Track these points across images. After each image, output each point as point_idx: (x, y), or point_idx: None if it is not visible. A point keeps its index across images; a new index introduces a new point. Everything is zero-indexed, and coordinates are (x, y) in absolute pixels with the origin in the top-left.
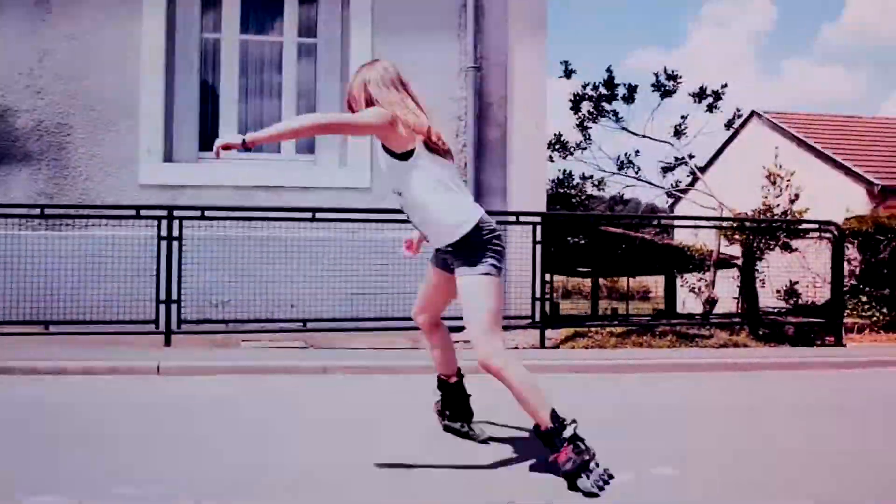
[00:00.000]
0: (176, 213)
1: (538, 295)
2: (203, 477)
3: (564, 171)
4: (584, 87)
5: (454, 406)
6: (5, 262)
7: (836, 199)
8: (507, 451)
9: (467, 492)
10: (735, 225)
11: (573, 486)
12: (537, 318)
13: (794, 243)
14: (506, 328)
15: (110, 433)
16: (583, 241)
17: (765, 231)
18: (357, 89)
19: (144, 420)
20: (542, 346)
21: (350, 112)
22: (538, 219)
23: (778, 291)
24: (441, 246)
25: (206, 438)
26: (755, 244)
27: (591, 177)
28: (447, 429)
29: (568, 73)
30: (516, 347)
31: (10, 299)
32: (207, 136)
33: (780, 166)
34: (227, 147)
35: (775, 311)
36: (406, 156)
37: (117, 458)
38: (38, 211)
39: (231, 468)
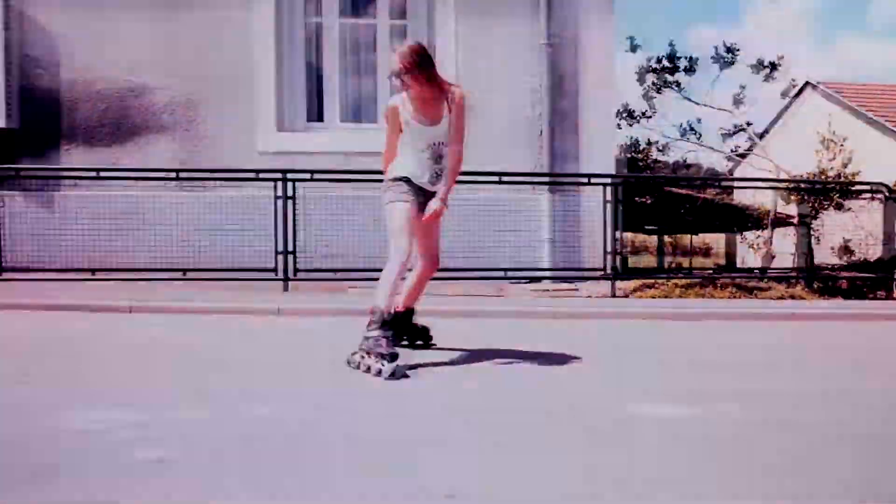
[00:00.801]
0: (290, 175)
1: (609, 250)
2: (322, 392)
3: (631, 137)
4: (649, 60)
5: (407, 331)
6: (148, 219)
7: (888, 163)
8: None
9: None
10: (791, 186)
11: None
12: (608, 270)
13: (847, 203)
14: (580, 279)
15: (243, 363)
16: (649, 202)
17: (819, 192)
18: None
19: (270, 352)
20: (613, 295)
21: (406, 81)
22: (608, 180)
23: (832, 248)
24: (436, 187)
25: (321, 365)
26: (810, 204)
27: (656, 142)
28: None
29: (633, 48)
30: (590, 297)
31: (153, 251)
32: (314, 110)
33: (834, 132)
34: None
35: (829, 266)
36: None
37: (252, 382)
38: (174, 175)
39: (339, 383)
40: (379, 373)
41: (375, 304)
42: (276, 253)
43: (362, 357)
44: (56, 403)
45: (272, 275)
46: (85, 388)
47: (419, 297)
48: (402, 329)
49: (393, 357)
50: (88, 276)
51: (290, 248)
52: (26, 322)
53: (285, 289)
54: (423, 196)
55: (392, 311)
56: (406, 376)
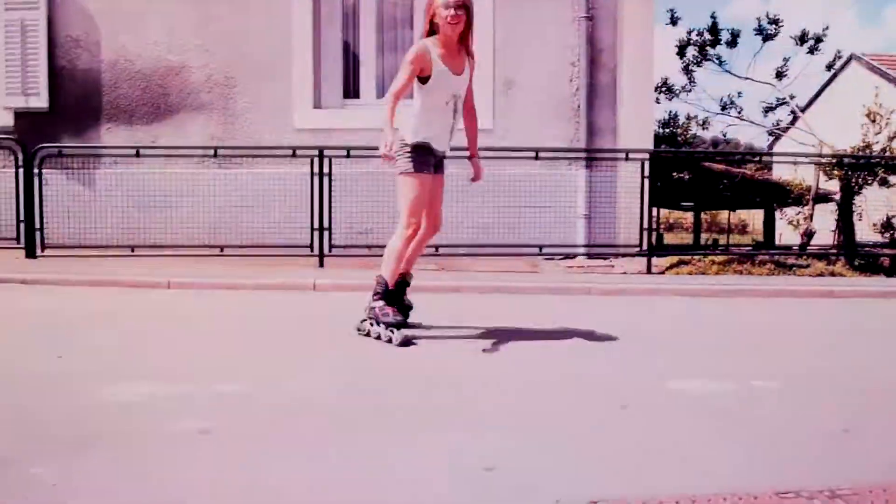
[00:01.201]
0: (326, 152)
1: (645, 226)
2: (355, 358)
3: (670, 112)
4: (689, 33)
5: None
6: (186, 196)
7: None
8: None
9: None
10: (834, 161)
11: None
12: (644, 247)
13: (893, 179)
14: (615, 255)
15: (279, 336)
16: (687, 177)
17: (863, 167)
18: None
19: (305, 327)
20: (649, 272)
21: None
22: (646, 155)
23: (874, 225)
24: (448, 149)
25: (354, 339)
26: (853, 179)
27: (696, 117)
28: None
29: (674, 21)
30: (624, 273)
31: (191, 228)
32: (350, 86)
33: (881, 105)
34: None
35: (871, 244)
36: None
37: (288, 355)
38: (212, 152)
39: (370, 352)
40: (389, 340)
41: (381, 275)
42: (312, 229)
43: (371, 325)
44: (97, 376)
45: (308, 251)
46: (125, 361)
47: (416, 260)
48: (393, 300)
49: (400, 325)
50: (127, 252)
51: (326, 224)
52: (67, 297)
53: (321, 265)
54: (440, 158)
55: (394, 282)
56: (414, 344)
